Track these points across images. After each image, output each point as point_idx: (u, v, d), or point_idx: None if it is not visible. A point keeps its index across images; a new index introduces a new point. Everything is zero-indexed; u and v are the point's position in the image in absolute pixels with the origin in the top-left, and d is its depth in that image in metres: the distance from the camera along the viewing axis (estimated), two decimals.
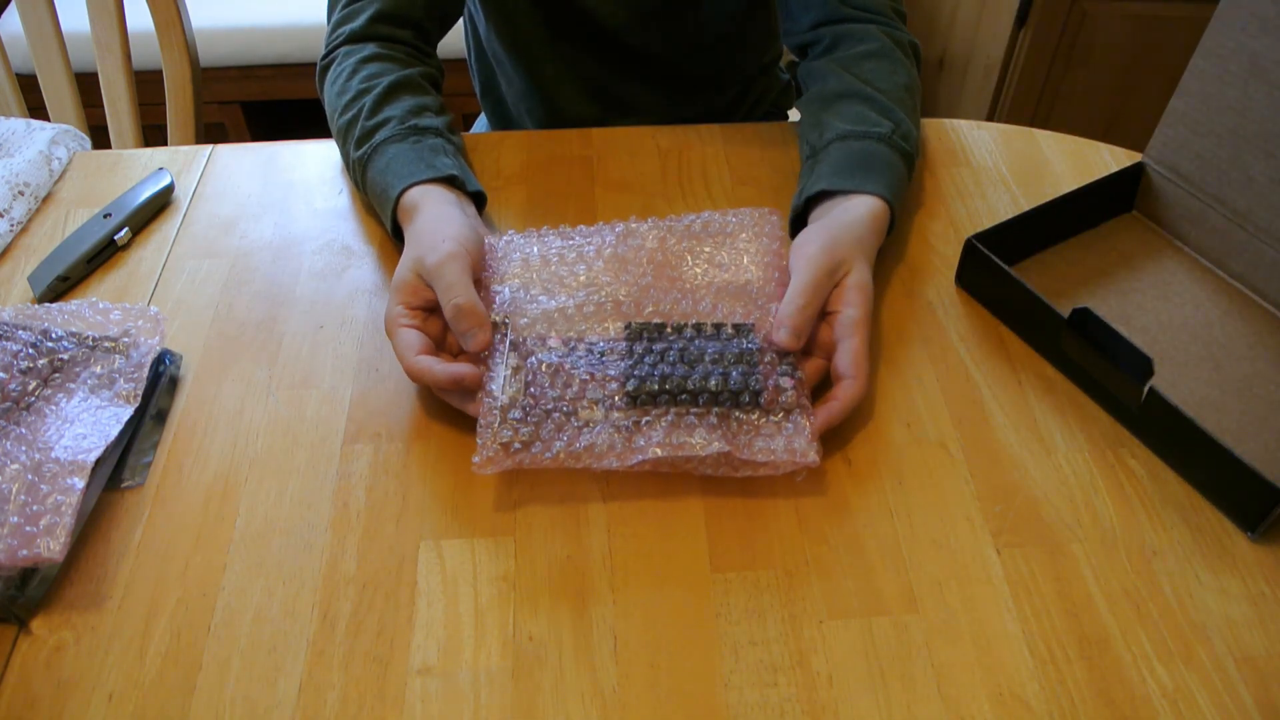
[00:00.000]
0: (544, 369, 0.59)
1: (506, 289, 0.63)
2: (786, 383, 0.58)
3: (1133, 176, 0.74)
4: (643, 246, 0.66)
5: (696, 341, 0.60)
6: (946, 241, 0.74)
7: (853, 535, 0.55)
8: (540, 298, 0.63)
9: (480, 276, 0.63)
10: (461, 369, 0.57)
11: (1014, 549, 0.55)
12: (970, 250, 0.68)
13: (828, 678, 0.50)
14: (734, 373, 0.58)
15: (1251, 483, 0.53)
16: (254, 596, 0.53)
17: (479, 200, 0.71)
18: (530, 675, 0.50)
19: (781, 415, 0.57)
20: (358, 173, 0.72)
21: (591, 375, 0.58)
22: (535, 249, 0.66)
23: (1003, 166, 0.81)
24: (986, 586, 0.53)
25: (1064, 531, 0.56)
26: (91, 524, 0.56)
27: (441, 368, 0.57)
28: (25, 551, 0.50)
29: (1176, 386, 0.63)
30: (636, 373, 0.58)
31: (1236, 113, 0.66)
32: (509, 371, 0.58)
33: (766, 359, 0.59)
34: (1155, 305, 0.68)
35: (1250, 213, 0.67)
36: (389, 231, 0.70)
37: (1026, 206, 0.74)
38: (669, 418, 0.56)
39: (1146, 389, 0.57)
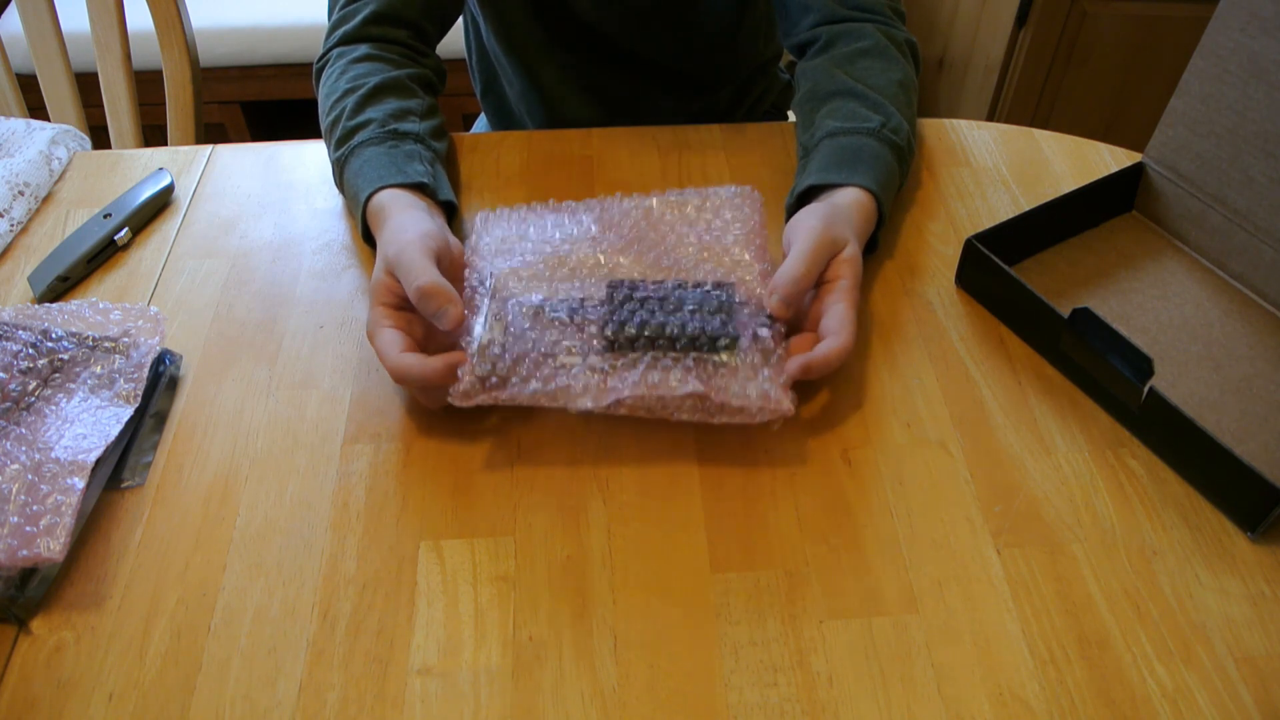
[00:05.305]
0: (525, 313, 0.59)
1: (493, 241, 0.64)
2: (764, 332, 0.59)
3: (1133, 176, 0.74)
4: (628, 213, 0.67)
5: (677, 292, 0.61)
6: (946, 241, 0.74)
7: (853, 535, 0.55)
8: (523, 250, 0.64)
9: (456, 269, 0.63)
10: (450, 355, 0.57)
11: (1014, 549, 0.55)
12: (970, 250, 0.68)
13: (828, 678, 0.50)
14: (712, 320, 0.58)
15: (1251, 483, 0.53)
16: (254, 596, 0.53)
17: (449, 210, 0.70)
18: (530, 675, 0.50)
19: (758, 359, 0.58)
20: (335, 173, 0.72)
21: (571, 319, 0.59)
22: (521, 220, 0.67)
23: (1003, 166, 0.81)
24: (986, 586, 0.53)
25: (1064, 531, 0.56)
26: (91, 524, 0.56)
27: (430, 361, 0.56)
28: (25, 551, 0.50)
29: (1176, 386, 0.63)
30: (616, 318, 0.58)
31: (1236, 113, 0.66)
32: (490, 317, 0.58)
33: (745, 311, 0.60)
34: (1155, 305, 0.68)
35: (1250, 213, 0.67)
36: (361, 234, 0.70)
37: (1026, 206, 0.74)
38: (645, 360, 0.57)
39: (1146, 389, 0.57)
